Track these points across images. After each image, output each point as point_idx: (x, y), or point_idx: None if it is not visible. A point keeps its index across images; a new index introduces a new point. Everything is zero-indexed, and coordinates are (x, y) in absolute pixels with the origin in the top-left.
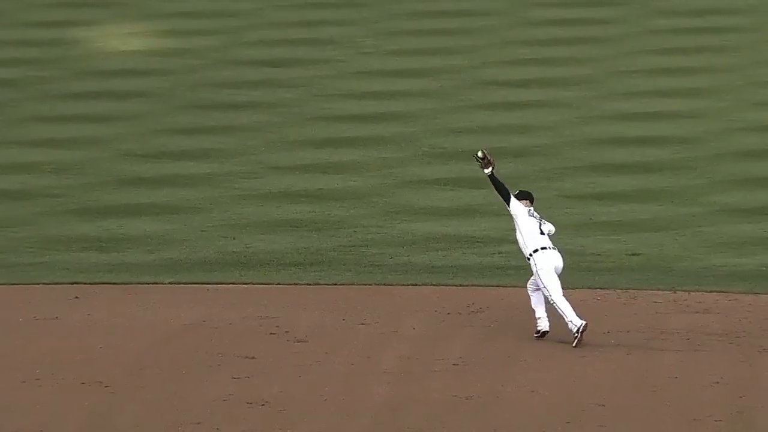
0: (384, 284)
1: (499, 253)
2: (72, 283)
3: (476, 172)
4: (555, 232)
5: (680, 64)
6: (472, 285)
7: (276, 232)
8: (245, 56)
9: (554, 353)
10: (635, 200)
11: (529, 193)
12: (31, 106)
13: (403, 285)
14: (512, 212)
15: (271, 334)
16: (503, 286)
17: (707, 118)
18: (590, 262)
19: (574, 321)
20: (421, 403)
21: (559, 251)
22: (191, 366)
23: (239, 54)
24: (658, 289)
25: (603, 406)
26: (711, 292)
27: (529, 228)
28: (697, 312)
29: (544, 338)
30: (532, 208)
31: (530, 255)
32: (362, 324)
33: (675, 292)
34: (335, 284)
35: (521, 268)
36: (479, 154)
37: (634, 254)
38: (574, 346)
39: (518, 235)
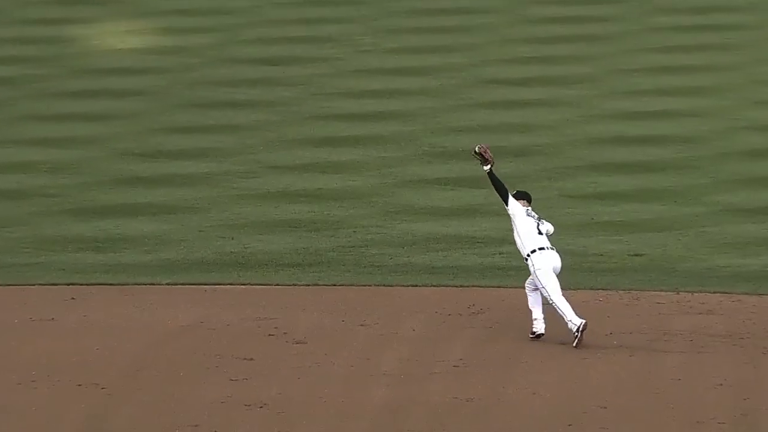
0: (384, 285)
1: (500, 254)
2: (68, 284)
3: (477, 171)
4: (554, 232)
5: (682, 62)
6: (473, 286)
7: (274, 233)
8: (243, 54)
9: (555, 355)
10: (637, 200)
11: (527, 193)
12: (27, 105)
13: (403, 286)
14: (510, 212)
15: (269, 335)
16: (504, 287)
17: (710, 117)
18: (592, 263)
19: (574, 320)
20: (421, 406)
21: (557, 251)
22: (189, 368)
23: (237, 52)
24: (661, 290)
25: (605, 408)
26: (714, 293)
27: (527, 228)
28: (700, 313)
29: (545, 339)
30: (530, 208)
31: (528, 255)
32: (362, 325)
33: (678, 293)
34: (334, 285)
35: (522, 269)
36: (475, 149)
37: (636, 255)
38: (575, 346)
39: (516, 236)
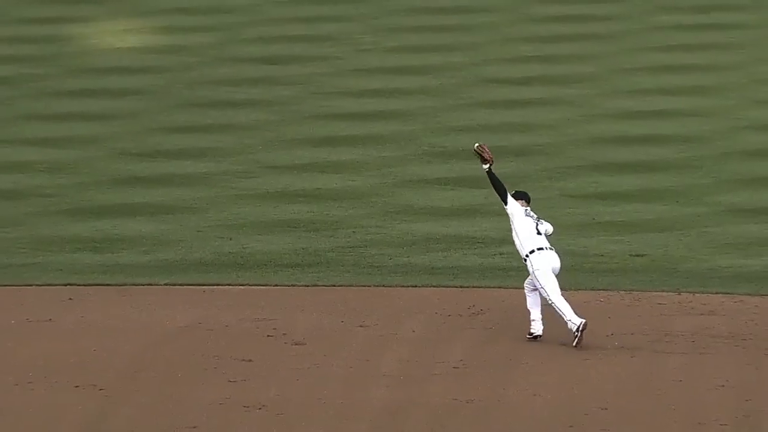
0: (383, 286)
1: (500, 254)
2: (65, 285)
3: (477, 171)
4: (554, 232)
5: (684, 61)
6: (473, 286)
7: (273, 233)
8: (242, 53)
9: (556, 356)
10: (639, 200)
11: (526, 193)
12: (24, 104)
13: (403, 286)
14: (509, 211)
15: (268, 336)
16: (504, 288)
17: (712, 117)
18: (593, 263)
19: (574, 320)
20: (421, 407)
21: (556, 251)
22: (187, 369)
23: (236, 51)
24: (663, 291)
25: (606, 409)
26: (716, 293)
27: (526, 228)
28: (702, 314)
29: (546, 340)
30: (529, 208)
31: (526, 256)
32: (361, 326)
33: (680, 294)
34: (333, 286)
35: (522, 270)
36: (475, 146)
37: (638, 255)
38: (575, 346)
39: (514, 236)
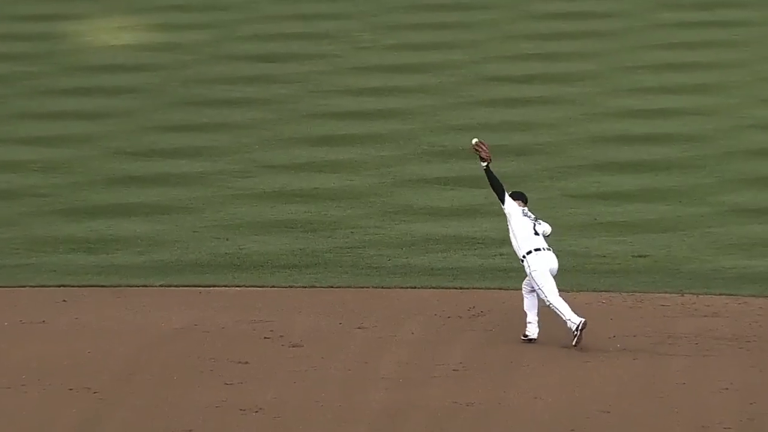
0: (382, 287)
1: (500, 255)
2: (59, 286)
3: (477, 170)
4: (555, 233)
5: (687, 59)
6: (473, 288)
7: (270, 233)
8: (239, 51)
9: (557, 358)
10: (641, 200)
11: (523, 194)
12: (17, 103)
13: (402, 288)
14: (506, 211)
15: (265, 338)
16: (505, 289)
17: (716, 115)
18: (595, 264)
19: (573, 319)
20: (420, 410)
21: (554, 252)
22: (182, 371)
23: (232, 49)
24: (666, 292)
25: (608, 412)
26: (720, 295)
27: (523, 228)
28: (705, 316)
29: (546, 342)
30: (526, 208)
31: (524, 257)
32: (359, 328)
33: (683, 295)
34: (331, 287)
35: (523, 271)
36: (473, 141)
37: (640, 256)
38: (574, 345)
39: (512, 236)
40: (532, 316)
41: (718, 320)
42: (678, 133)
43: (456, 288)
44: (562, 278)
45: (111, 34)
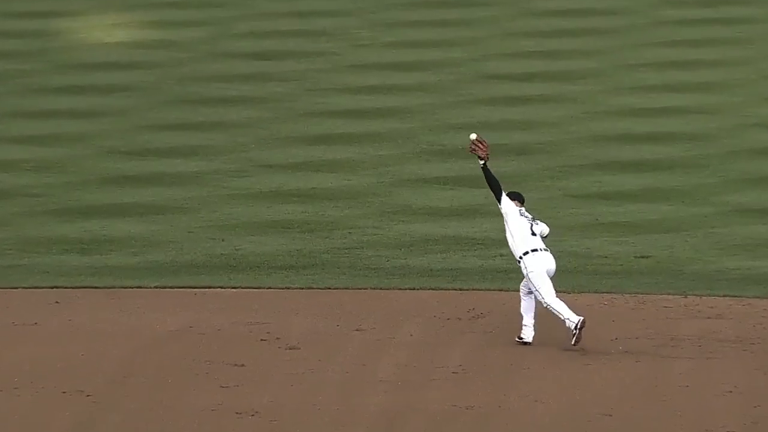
0: (380, 288)
1: (500, 256)
2: (52, 287)
3: (477, 170)
4: (555, 233)
5: (690, 57)
6: (473, 289)
7: (267, 234)
8: (235, 49)
9: (558, 360)
10: (644, 200)
11: (520, 194)
12: (9, 101)
13: (401, 289)
14: (503, 210)
15: (261, 340)
16: (505, 291)
17: (719, 114)
18: (597, 265)
19: (572, 318)
20: (419, 413)
21: (552, 253)
22: (177, 374)
23: (228, 46)
24: (668, 294)
25: (610, 416)
26: (724, 296)
27: (520, 228)
28: (709, 317)
29: (547, 344)
30: (523, 208)
31: (520, 257)
32: (357, 330)
33: (686, 297)
34: (329, 288)
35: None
36: (472, 137)
37: (642, 257)
38: (574, 345)
39: (508, 236)
40: (528, 319)
41: (722, 322)
42: (681, 132)
43: (455, 289)
44: (563, 279)
45: (105, 31)
